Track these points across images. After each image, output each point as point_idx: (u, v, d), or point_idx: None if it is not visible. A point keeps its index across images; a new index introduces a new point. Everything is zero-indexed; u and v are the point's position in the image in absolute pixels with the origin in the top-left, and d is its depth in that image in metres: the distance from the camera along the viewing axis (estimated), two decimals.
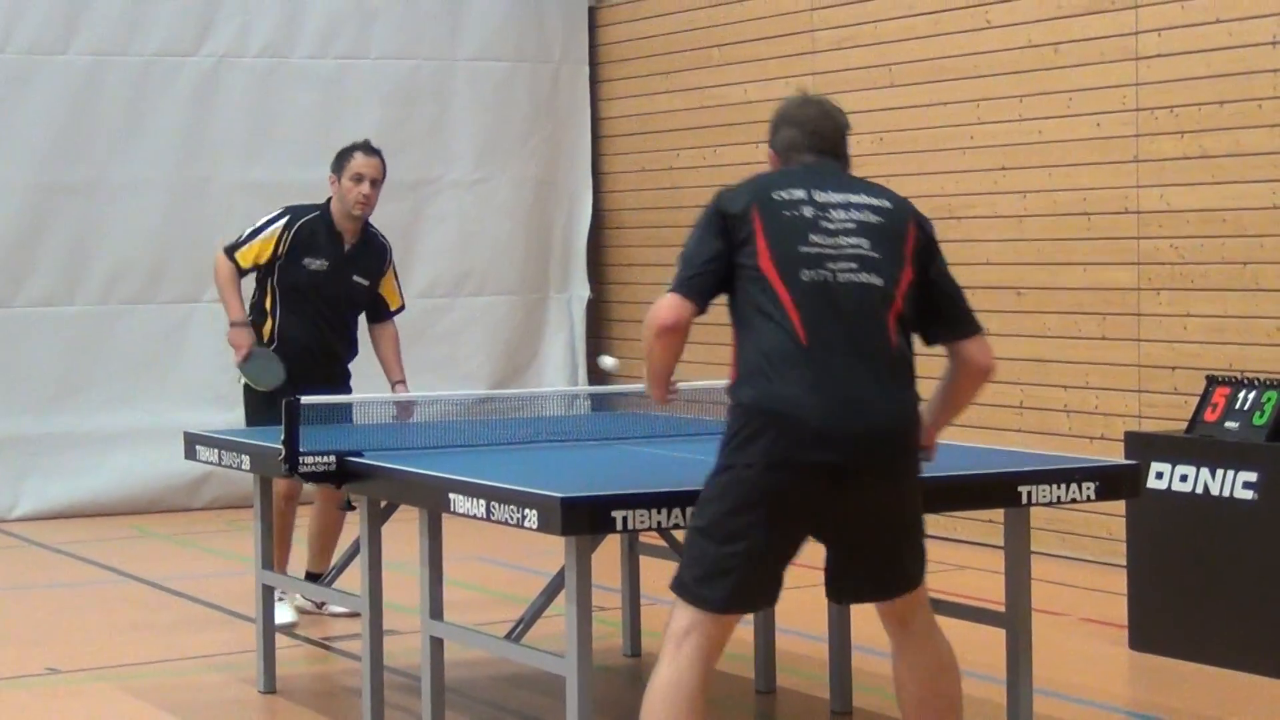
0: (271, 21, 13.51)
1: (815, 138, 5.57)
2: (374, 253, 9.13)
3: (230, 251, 8.93)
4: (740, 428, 5.28)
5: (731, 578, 5.29)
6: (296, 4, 13.58)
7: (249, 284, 9.04)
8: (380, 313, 9.25)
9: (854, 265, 5.30)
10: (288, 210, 9.01)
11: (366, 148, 9.05)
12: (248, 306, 9.00)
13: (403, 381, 9.20)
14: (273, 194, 12.41)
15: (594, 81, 14.49)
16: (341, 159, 9.01)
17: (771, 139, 5.67)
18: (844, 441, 5.20)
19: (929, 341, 5.54)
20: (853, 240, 5.33)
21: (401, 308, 9.34)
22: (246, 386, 8.90)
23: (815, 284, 5.27)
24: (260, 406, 8.72)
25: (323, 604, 9.20)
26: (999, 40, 11.03)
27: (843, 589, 5.61)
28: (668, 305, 5.33)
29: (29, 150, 12.89)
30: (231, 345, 8.86)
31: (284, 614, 8.65)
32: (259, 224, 8.97)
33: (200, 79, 13.31)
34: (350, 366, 9.18)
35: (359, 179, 8.92)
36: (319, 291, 8.94)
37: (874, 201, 5.43)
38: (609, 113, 14.47)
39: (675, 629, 5.35)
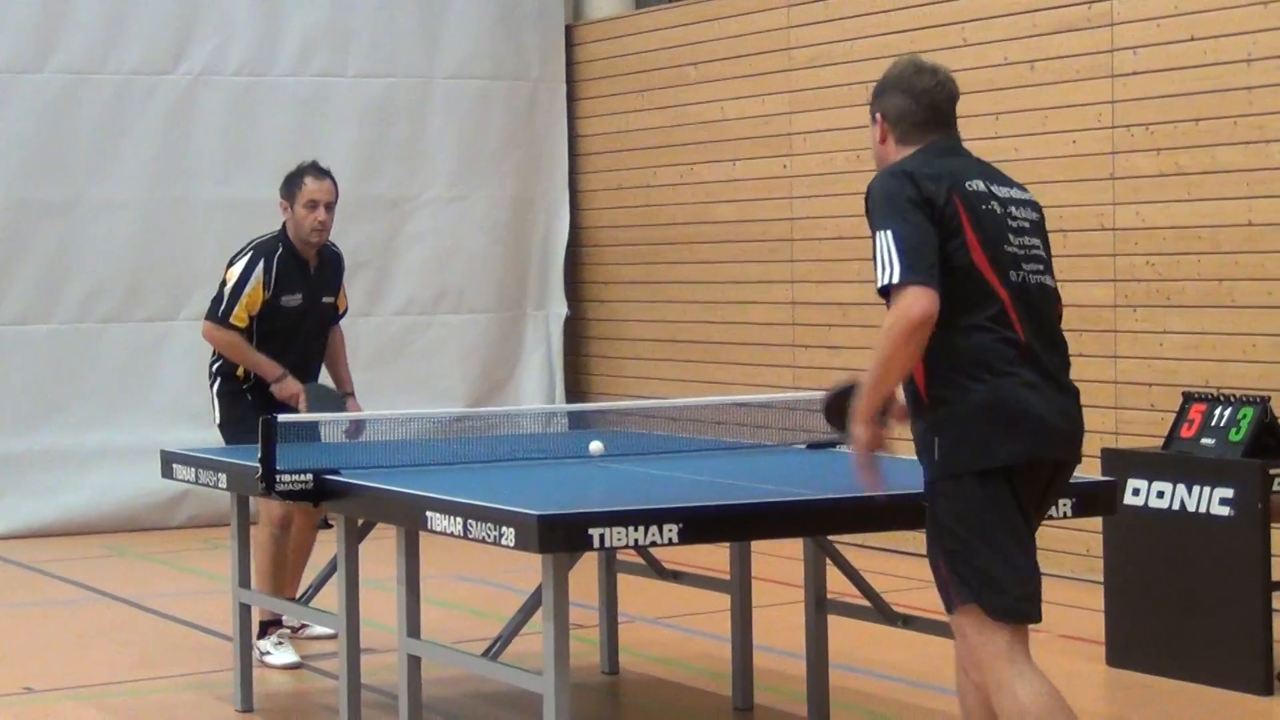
0: (248, 39, 13.51)
1: (933, 111, 5.47)
2: (333, 267, 8.95)
3: (223, 320, 8.58)
4: (974, 430, 5.17)
5: (1034, 581, 5.25)
6: (274, 22, 13.57)
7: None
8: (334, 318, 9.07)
9: (1039, 267, 5.36)
10: (255, 251, 8.67)
11: (316, 171, 8.77)
12: (214, 354, 8.81)
13: (353, 394, 9.00)
14: (250, 212, 12.41)
15: (571, 99, 14.50)
16: (292, 184, 8.72)
17: (880, 102, 5.52)
18: (1062, 438, 5.28)
19: None
20: (1032, 240, 5.38)
21: (346, 310, 9.16)
22: (224, 409, 8.77)
23: (1020, 285, 5.28)
24: (241, 421, 8.59)
25: (300, 628, 9.12)
26: (974, 58, 11.05)
27: None
28: (922, 298, 5.07)
29: (4, 169, 12.86)
30: (288, 399, 8.57)
31: (287, 655, 8.58)
32: (235, 280, 8.61)
33: (177, 97, 13.30)
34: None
35: (313, 205, 8.63)
36: (297, 324, 8.71)
37: (1027, 197, 5.47)
38: (586, 130, 14.48)
39: (995, 650, 5.22)
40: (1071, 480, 6.45)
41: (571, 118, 14.50)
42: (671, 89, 13.50)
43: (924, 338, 5.09)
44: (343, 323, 9.23)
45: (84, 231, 13.06)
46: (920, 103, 5.45)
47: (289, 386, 8.62)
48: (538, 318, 14.46)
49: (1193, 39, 9.86)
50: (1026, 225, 5.39)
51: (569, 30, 14.53)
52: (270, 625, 8.64)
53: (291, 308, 8.70)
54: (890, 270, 5.10)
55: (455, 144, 14.12)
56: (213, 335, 8.68)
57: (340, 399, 8.87)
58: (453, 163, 14.12)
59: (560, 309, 14.48)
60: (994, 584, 5.18)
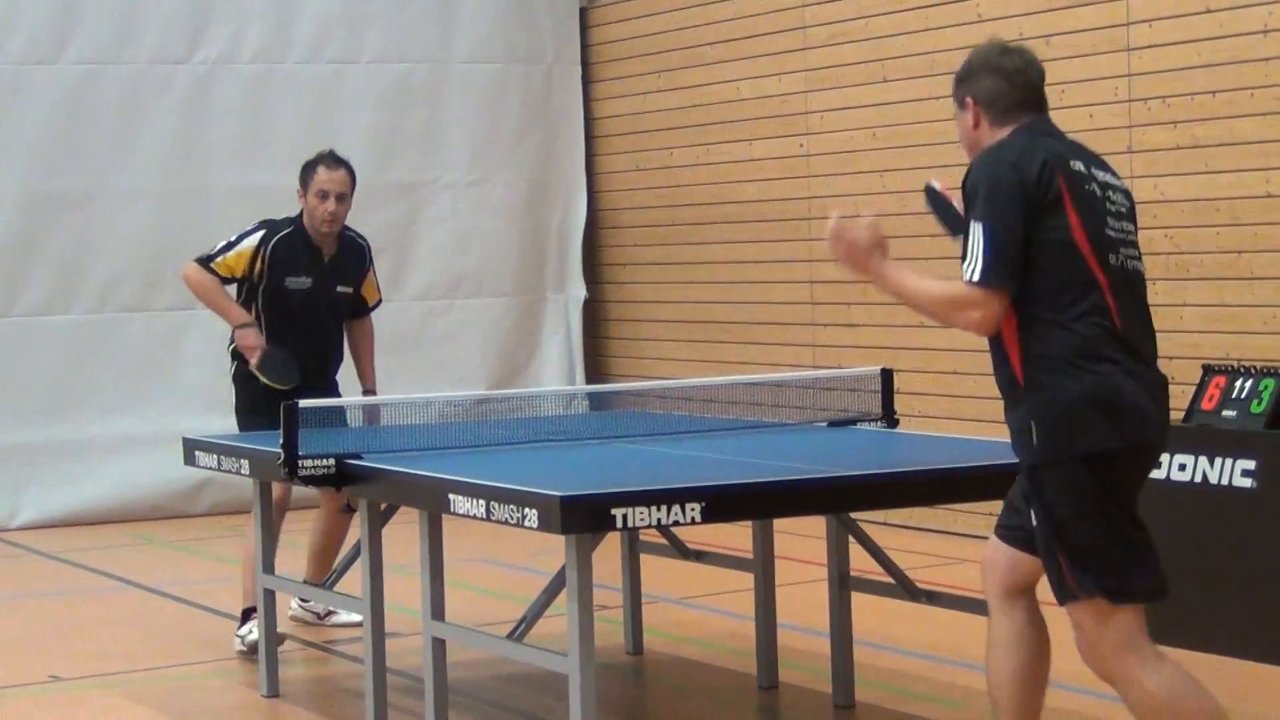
0: (263, 27, 13.53)
1: (1027, 90, 5.42)
2: (353, 257, 8.82)
3: (206, 262, 8.61)
4: (1077, 417, 5.08)
5: (1153, 559, 5.19)
6: (288, 9, 13.59)
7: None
8: (358, 309, 8.93)
9: (1134, 252, 5.30)
10: (263, 225, 8.68)
11: (330, 160, 8.65)
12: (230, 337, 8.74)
13: (373, 390, 8.91)
14: (267, 199, 12.39)
15: (587, 81, 14.50)
16: (306, 173, 8.65)
17: (970, 85, 5.43)
18: (1157, 424, 5.20)
19: None
20: (1128, 226, 5.31)
21: (379, 301, 9.07)
22: (238, 392, 8.77)
23: (1119, 269, 5.20)
24: (252, 410, 8.61)
25: (327, 614, 9.14)
26: (990, 33, 11.00)
27: None
28: (987, 302, 5.09)
29: (23, 159, 12.91)
30: (244, 349, 8.55)
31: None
32: (234, 237, 8.66)
33: (193, 86, 13.33)
34: (338, 377, 8.87)
35: (324, 196, 8.54)
36: (306, 309, 8.62)
37: (1121, 184, 5.38)
38: (602, 112, 14.48)
39: (1116, 641, 5.19)
40: None
41: (588, 99, 14.50)
42: (687, 69, 13.50)
43: (967, 329, 5.18)
44: None
45: (102, 221, 13.10)
46: (1013, 82, 5.39)
47: (247, 336, 8.53)
48: (557, 300, 14.47)
49: (1208, 11, 9.83)
50: (1123, 210, 5.30)
51: (584, 12, 14.53)
52: (251, 611, 8.52)
53: (299, 290, 8.61)
54: (974, 266, 5.09)
55: (472, 128, 14.13)
56: (190, 276, 8.66)
57: (294, 367, 8.60)
58: (469, 147, 14.13)
59: (579, 291, 14.49)
60: (1114, 567, 5.14)
